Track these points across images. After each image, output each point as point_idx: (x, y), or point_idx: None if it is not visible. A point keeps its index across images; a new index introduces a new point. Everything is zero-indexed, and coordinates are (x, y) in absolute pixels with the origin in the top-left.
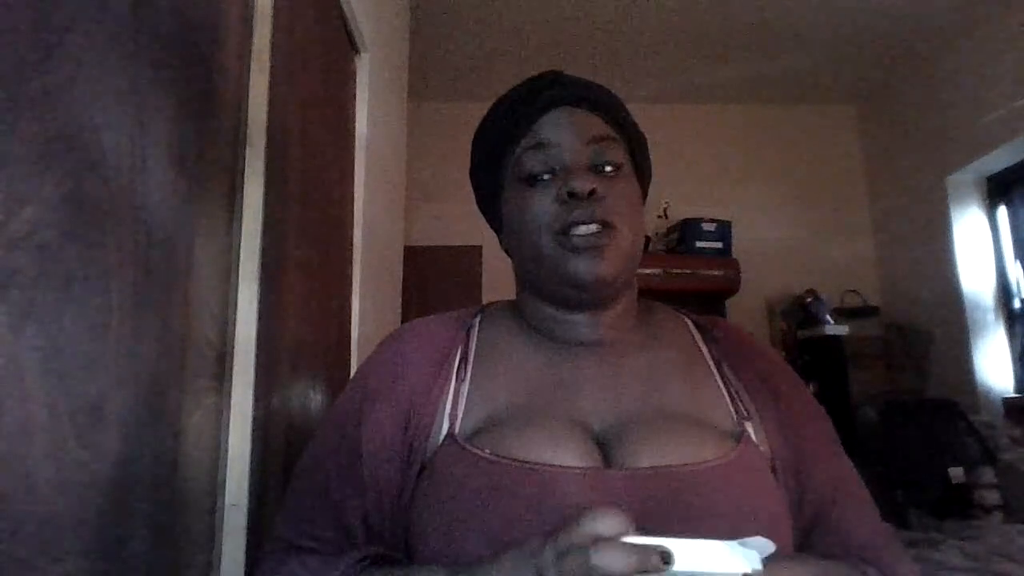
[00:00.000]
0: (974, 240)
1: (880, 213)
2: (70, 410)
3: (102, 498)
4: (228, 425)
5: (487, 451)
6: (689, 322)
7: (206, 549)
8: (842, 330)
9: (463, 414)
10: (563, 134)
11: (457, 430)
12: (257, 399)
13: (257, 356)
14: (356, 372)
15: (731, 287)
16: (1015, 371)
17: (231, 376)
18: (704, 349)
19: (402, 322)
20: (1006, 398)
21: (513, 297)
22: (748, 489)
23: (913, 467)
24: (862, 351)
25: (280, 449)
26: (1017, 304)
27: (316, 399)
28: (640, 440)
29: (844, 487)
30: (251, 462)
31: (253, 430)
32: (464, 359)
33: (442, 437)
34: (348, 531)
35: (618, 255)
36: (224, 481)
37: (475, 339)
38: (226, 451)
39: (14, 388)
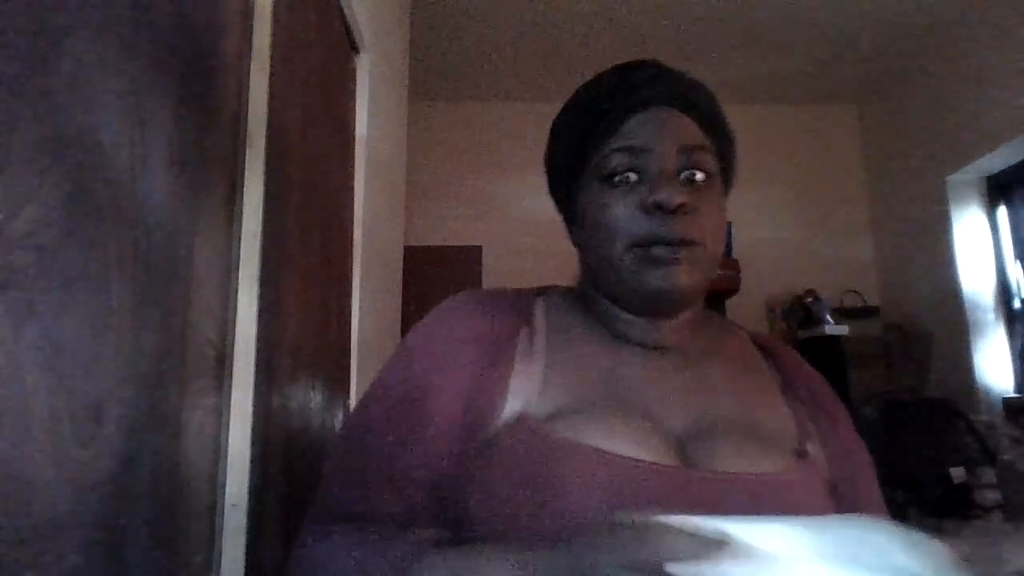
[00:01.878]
0: (974, 240)
1: (880, 213)
2: (70, 410)
3: (102, 498)
4: (228, 425)
5: (567, 435)
6: (746, 336)
7: (206, 549)
8: (842, 330)
9: (538, 396)
10: (655, 138)
11: (532, 410)
12: (257, 399)
13: (257, 356)
14: (413, 338)
15: (731, 287)
16: (1015, 371)
17: (231, 376)
18: (765, 366)
19: (402, 322)
20: (1006, 398)
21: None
22: (815, 507)
23: (913, 467)
24: (862, 351)
25: (280, 449)
26: (1017, 304)
27: (316, 399)
28: (715, 445)
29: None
30: (251, 462)
31: (253, 430)
32: (530, 340)
33: (511, 416)
34: (410, 504)
35: (696, 271)
36: (224, 481)
37: (541, 322)
38: (226, 451)
39: (14, 388)
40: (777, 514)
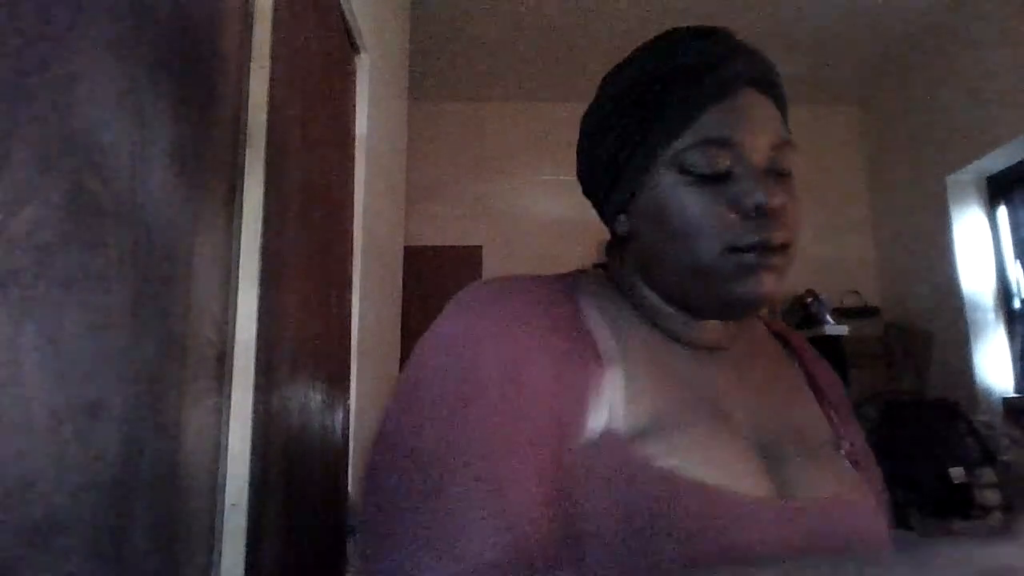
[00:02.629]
0: (974, 240)
1: (880, 213)
2: (70, 410)
3: (102, 498)
4: (228, 425)
5: (661, 463)
6: (763, 325)
7: (206, 549)
8: (842, 330)
9: (623, 409)
10: (745, 131)
11: (620, 426)
12: (257, 399)
13: (257, 356)
14: (454, 338)
15: None
16: (1015, 371)
17: (231, 376)
18: (790, 359)
19: (402, 322)
20: (1006, 398)
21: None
22: (877, 517)
23: (913, 467)
24: (862, 351)
25: (280, 449)
26: (1017, 304)
27: (316, 399)
28: (796, 464)
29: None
30: (251, 462)
31: (253, 430)
32: (591, 337)
33: (595, 432)
34: (527, 544)
35: (783, 277)
36: (224, 481)
37: (596, 317)
38: (226, 451)
39: (14, 388)
40: (863, 539)
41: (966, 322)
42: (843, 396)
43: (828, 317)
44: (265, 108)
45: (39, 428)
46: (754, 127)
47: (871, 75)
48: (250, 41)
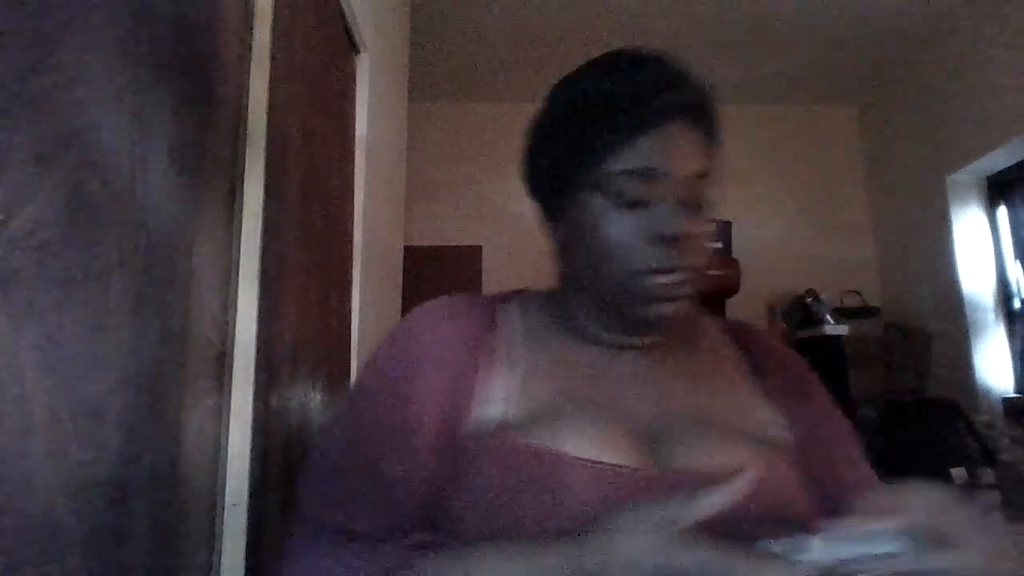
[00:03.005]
0: (974, 240)
1: (880, 213)
2: (70, 410)
3: (102, 498)
4: (228, 425)
5: (544, 443)
6: (715, 322)
7: (206, 549)
8: (842, 330)
9: (512, 402)
10: (669, 163)
11: (508, 417)
12: (257, 399)
13: (257, 356)
14: (387, 346)
15: (731, 287)
16: (1015, 371)
17: (231, 376)
18: (734, 350)
19: None
20: (1006, 398)
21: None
22: (782, 493)
23: (913, 467)
24: (862, 351)
25: (280, 449)
26: (1017, 304)
27: (316, 399)
28: (684, 441)
29: (868, 487)
30: (251, 462)
31: (253, 430)
32: (504, 345)
33: (489, 423)
34: (398, 514)
35: (687, 302)
36: (224, 481)
37: (516, 326)
38: (226, 451)
39: (14, 388)
40: (748, 505)
41: (966, 322)
42: (803, 378)
43: (828, 317)
44: (265, 108)
45: (39, 428)
46: (675, 160)
47: (871, 75)
48: (250, 41)
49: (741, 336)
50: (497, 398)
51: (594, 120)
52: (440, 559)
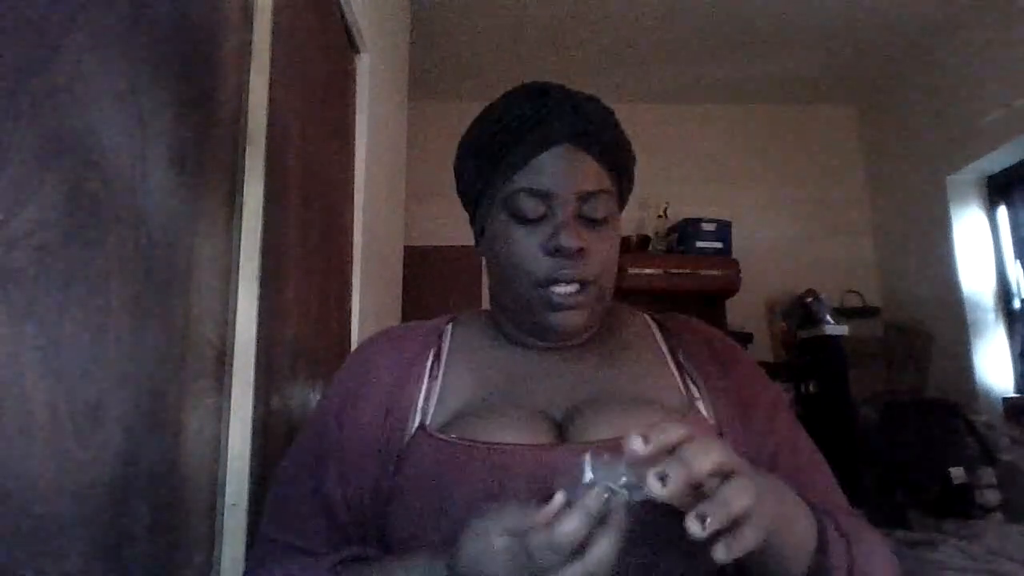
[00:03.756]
0: (974, 240)
1: (880, 213)
2: (70, 410)
3: (102, 498)
4: (228, 425)
5: (453, 436)
6: (647, 319)
7: (206, 549)
8: (842, 330)
9: (434, 408)
10: (559, 182)
11: (428, 422)
12: (257, 399)
13: (257, 356)
14: (334, 378)
15: (731, 287)
16: (1015, 371)
17: (231, 376)
18: (659, 340)
19: (402, 322)
20: (1006, 398)
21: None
22: None
23: (913, 467)
24: (862, 351)
25: (280, 449)
26: (1017, 304)
27: (316, 399)
28: (592, 419)
29: (797, 451)
30: (251, 462)
31: (253, 430)
32: (437, 360)
33: (414, 429)
34: (339, 528)
35: (593, 309)
36: (224, 481)
37: (447, 342)
38: (226, 451)
39: (14, 388)
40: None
41: (966, 322)
42: (725, 355)
43: (828, 317)
44: (265, 108)
45: (39, 428)
46: (565, 179)
47: (871, 75)
48: (250, 41)
49: (667, 325)
50: (429, 407)
51: (499, 144)
52: (360, 569)
